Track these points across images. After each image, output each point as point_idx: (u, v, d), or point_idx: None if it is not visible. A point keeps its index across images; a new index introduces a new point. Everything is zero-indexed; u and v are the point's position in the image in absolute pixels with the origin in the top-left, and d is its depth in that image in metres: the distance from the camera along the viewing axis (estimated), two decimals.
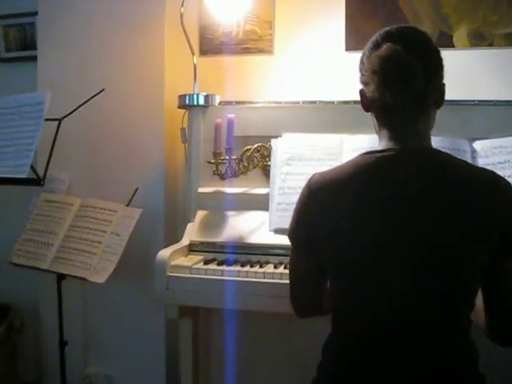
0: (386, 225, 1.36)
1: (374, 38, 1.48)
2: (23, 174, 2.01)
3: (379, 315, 1.36)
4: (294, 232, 1.56)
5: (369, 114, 1.54)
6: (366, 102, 1.50)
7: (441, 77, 1.47)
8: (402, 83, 1.39)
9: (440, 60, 1.46)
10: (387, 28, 1.48)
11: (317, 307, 1.61)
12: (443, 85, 1.48)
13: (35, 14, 3.05)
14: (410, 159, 1.41)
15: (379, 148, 1.47)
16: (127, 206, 2.51)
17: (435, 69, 1.45)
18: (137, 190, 2.53)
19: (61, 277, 2.53)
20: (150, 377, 2.80)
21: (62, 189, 2.72)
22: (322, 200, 1.46)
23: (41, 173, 2.25)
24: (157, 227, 2.72)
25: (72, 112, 2.15)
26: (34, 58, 3.05)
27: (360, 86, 1.53)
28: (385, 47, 1.41)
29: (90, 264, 2.41)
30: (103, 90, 2.24)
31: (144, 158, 2.73)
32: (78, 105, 2.35)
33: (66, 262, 2.47)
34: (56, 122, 2.22)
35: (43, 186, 2.13)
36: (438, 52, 1.47)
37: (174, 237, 2.61)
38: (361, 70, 1.51)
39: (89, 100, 2.18)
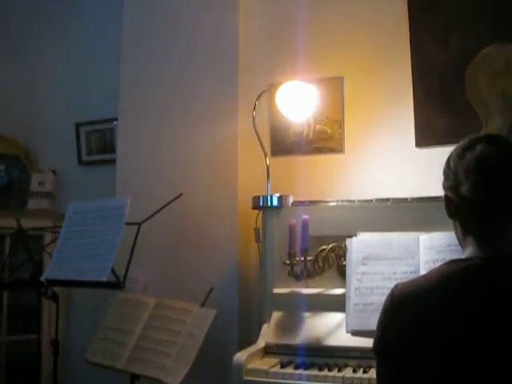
0: (475, 337, 1.31)
1: (461, 144, 1.48)
2: (104, 278, 2.06)
3: None
4: (378, 344, 1.51)
5: (451, 220, 1.52)
6: (452, 208, 1.48)
7: None
8: (498, 183, 1.38)
9: None
10: (472, 135, 1.49)
11: None
12: None
13: (115, 119, 3.24)
14: (497, 269, 1.37)
15: (464, 256, 1.44)
16: (202, 306, 2.52)
17: None
18: (211, 290, 2.54)
19: (135, 377, 2.52)
20: None
21: (137, 288, 2.77)
22: (406, 311, 1.42)
23: (119, 273, 2.30)
24: (231, 328, 2.70)
25: (151, 216, 2.22)
26: (112, 161, 3.21)
27: (443, 192, 1.52)
28: (480, 148, 1.41)
29: (165, 365, 2.40)
30: (181, 194, 2.31)
31: (218, 258, 2.77)
32: (154, 207, 2.43)
33: (141, 362, 2.47)
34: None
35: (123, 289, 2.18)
36: None
37: (248, 338, 2.59)
38: (447, 174, 1.49)
39: (167, 204, 2.25)
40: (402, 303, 1.44)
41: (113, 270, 2.10)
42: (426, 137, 2.76)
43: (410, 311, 1.41)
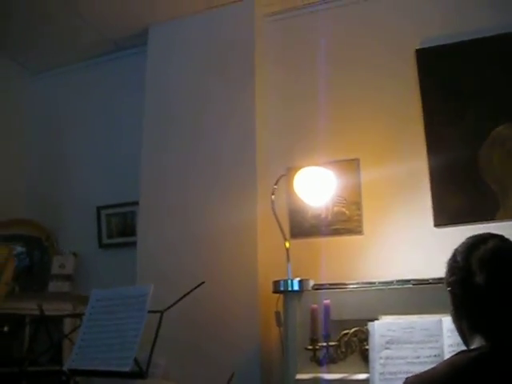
0: None
1: (470, 240, 1.54)
2: (128, 368, 2.05)
3: None
4: None
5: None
6: (458, 303, 1.51)
7: None
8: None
9: None
10: (476, 234, 1.54)
11: None
12: None
13: (136, 203, 3.30)
14: (506, 358, 1.38)
15: (472, 346, 1.45)
16: None
17: None
18: (233, 375, 2.51)
19: None
20: None
21: (158, 373, 2.74)
22: None
23: (140, 360, 2.27)
24: None
25: (174, 304, 2.22)
26: (133, 244, 3.25)
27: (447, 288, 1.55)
28: (493, 242, 1.48)
29: None
30: (203, 282, 2.33)
31: (239, 342, 2.75)
32: (174, 293, 2.40)
33: None
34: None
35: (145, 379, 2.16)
36: None
37: None
38: (453, 268, 1.54)
39: (189, 292, 2.26)
40: None
41: (136, 360, 2.09)
42: (443, 216, 2.78)
43: None
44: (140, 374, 2.07)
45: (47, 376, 2.61)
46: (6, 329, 2.79)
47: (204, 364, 2.77)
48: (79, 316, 2.54)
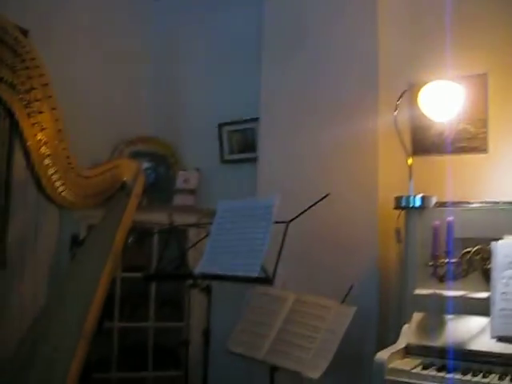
0: None
1: None
2: (255, 273, 2.16)
3: None
4: None
5: None
6: None
7: None
8: None
9: None
10: None
11: None
12: None
13: (256, 119, 3.37)
14: None
15: None
16: (342, 303, 2.56)
17: None
18: (351, 287, 2.57)
19: (274, 369, 2.61)
20: None
21: (277, 283, 2.86)
22: None
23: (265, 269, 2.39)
24: (369, 326, 2.73)
25: (299, 215, 2.28)
26: (253, 160, 3.35)
27: None
28: None
29: (305, 359, 2.46)
30: (328, 194, 2.36)
31: (358, 257, 2.81)
32: (296, 206, 2.47)
33: (281, 355, 2.55)
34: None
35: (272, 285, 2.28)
36: None
37: (386, 337, 2.60)
38: None
39: (314, 204, 2.31)
40: None
41: (262, 267, 2.20)
42: None
43: None
44: (267, 279, 2.17)
45: (182, 279, 2.78)
46: (131, 239, 2.96)
47: (322, 277, 2.87)
48: (206, 225, 2.68)
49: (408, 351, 2.31)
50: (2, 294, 2.96)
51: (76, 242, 2.79)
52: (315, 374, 2.42)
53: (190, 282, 2.50)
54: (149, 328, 3.39)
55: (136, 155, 3.76)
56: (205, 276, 2.40)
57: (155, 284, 3.40)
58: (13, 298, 3.00)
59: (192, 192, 3.68)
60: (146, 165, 3.68)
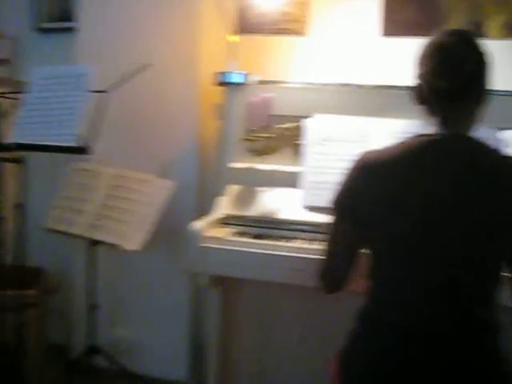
0: (435, 200, 1.45)
1: (432, 37, 1.55)
2: (70, 143, 2.08)
3: (426, 284, 1.46)
4: (339, 199, 1.59)
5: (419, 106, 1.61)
6: (421, 95, 1.56)
7: (486, 75, 1.52)
8: (455, 68, 1.47)
9: (488, 60, 1.52)
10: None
11: (344, 281, 1.65)
12: (486, 85, 1.54)
13: None
14: (455, 143, 1.49)
15: (429, 133, 1.55)
16: (161, 178, 2.58)
17: (483, 65, 1.51)
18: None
19: (94, 243, 2.61)
20: (175, 342, 2.92)
21: (95, 158, 2.79)
22: (373, 173, 1.52)
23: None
24: (188, 200, 2.80)
25: (119, 85, 2.19)
26: (70, 30, 3.12)
27: (415, 81, 1.58)
28: (440, 37, 1.50)
29: (124, 232, 2.49)
30: (151, 64, 2.28)
31: (178, 132, 2.81)
32: (116, 77, 2.39)
33: (100, 229, 2.56)
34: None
35: (89, 155, 2.20)
36: (487, 54, 1.52)
37: (204, 210, 2.68)
38: (419, 64, 1.57)
39: (136, 73, 2.23)
40: (368, 165, 1.54)
41: (80, 138, 2.12)
42: (392, 27, 2.76)
43: (377, 173, 1.52)
44: (82, 149, 2.10)
45: None
46: None
47: (141, 152, 2.84)
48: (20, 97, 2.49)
49: (224, 222, 2.38)
50: None
51: None
52: (134, 246, 2.46)
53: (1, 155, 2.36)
54: None
55: None
56: (18, 146, 2.26)
57: None
58: None
59: (5, 62, 3.39)
60: None
